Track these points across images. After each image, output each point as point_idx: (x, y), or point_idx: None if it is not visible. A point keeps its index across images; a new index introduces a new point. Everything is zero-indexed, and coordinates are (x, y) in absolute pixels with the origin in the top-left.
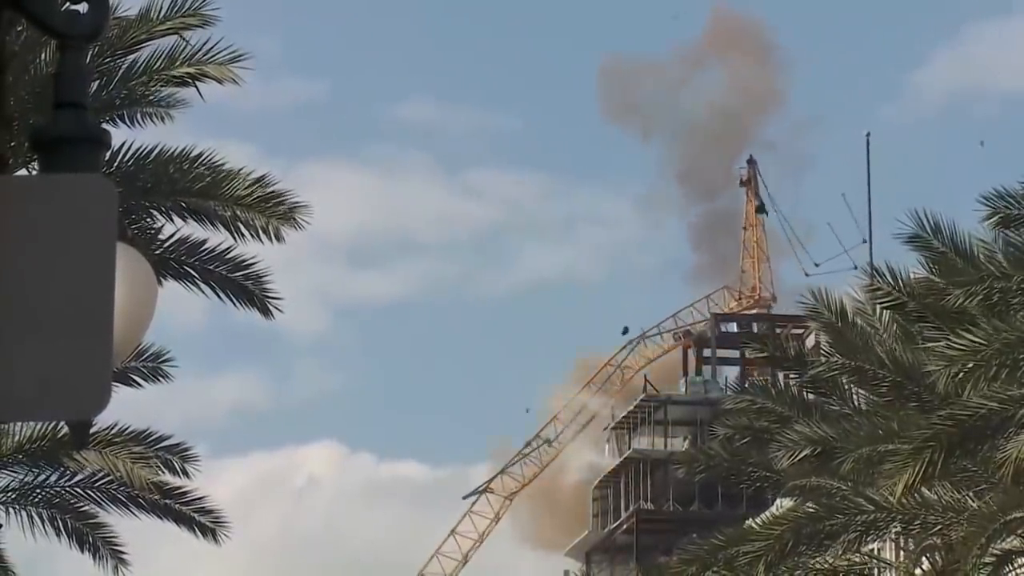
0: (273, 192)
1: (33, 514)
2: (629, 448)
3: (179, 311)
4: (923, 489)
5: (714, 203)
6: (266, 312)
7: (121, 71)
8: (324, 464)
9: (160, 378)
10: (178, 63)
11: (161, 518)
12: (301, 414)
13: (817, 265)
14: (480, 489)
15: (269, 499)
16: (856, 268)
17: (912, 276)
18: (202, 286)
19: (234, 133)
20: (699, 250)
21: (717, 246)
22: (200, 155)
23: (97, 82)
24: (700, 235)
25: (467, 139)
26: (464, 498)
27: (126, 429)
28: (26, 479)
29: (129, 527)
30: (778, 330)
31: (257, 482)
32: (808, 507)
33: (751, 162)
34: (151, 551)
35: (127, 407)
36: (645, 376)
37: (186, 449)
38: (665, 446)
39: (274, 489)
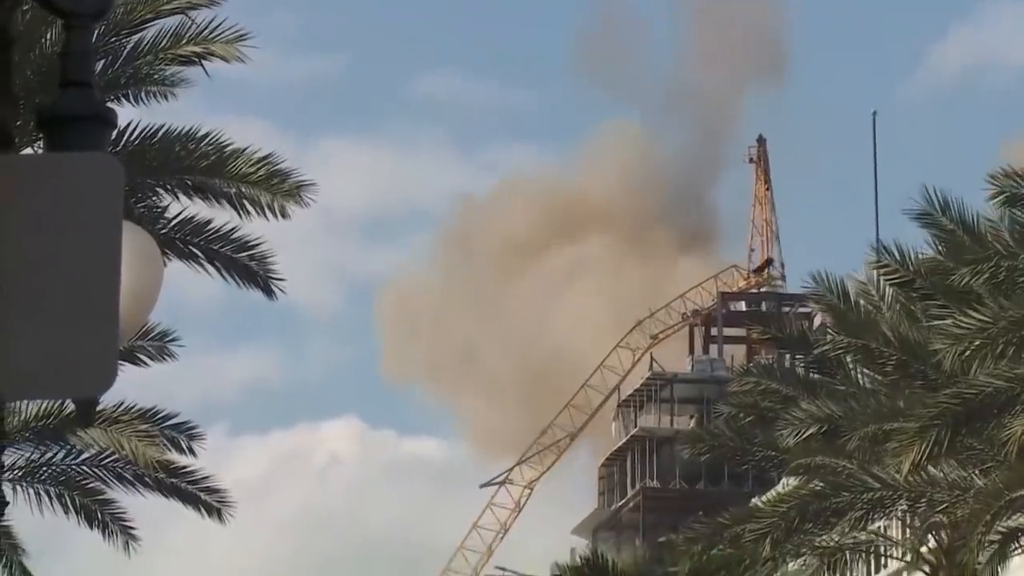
0: (279, 170)
1: (40, 491)
2: (635, 426)
3: (192, 287)
4: (929, 467)
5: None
6: (269, 293)
7: (127, 50)
8: (345, 441)
9: (166, 357)
10: (184, 42)
11: (167, 497)
12: (317, 391)
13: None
14: (499, 480)
15: (291, 478)
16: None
17: (919, 255)
18: (207, 266)
19: (250, 109)
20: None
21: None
22: (207, 134)
23: (103, 61)
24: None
25: (481, 115)
26: (482, 487)
27: (132, 407)
28: (32, 457)
29: (145, 504)
30: (786, 309)
31: (278, 461)
32: (814, 485)
33: (760, 141)
34: (168, 528)
35: (140, 385)
36: (651, 354)
37: (192, 427)
38: (671, 424)
39: (295, 468)
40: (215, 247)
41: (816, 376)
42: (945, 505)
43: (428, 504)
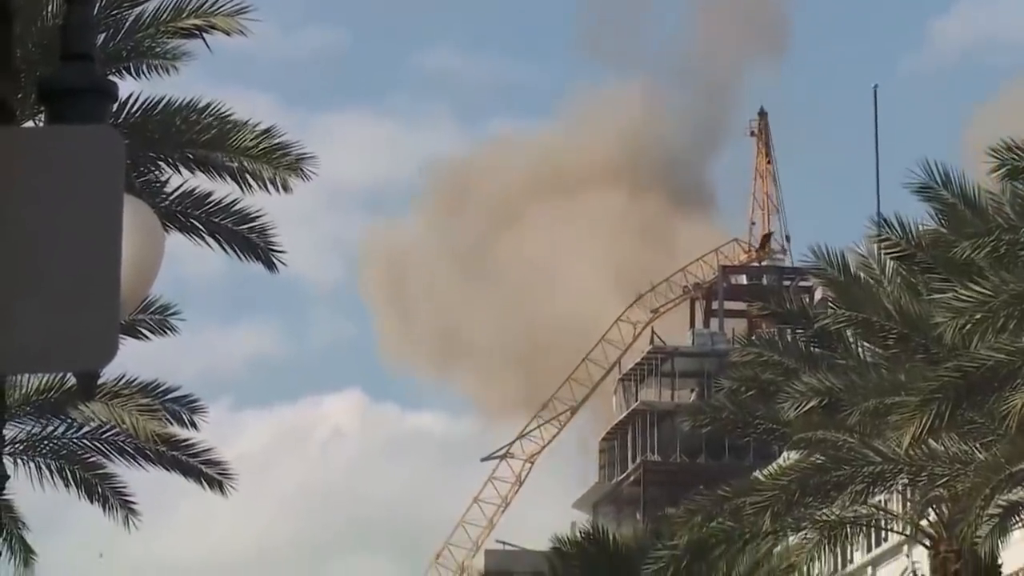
0: (280, 143)
1: (41, 465)
2: (636, 400)
3: (194, 261)
4: (930, 441)
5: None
6: (270, 266)
7: (128, 23)
8: (348, 416)
9: (167, 331)
10: (185, 15)
11: (168, 470)
12: (321, 365)
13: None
14: (500, 454)
15: (293, 452)
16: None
17: (920, 227)
18: (208, 239)
19: (254, 83)
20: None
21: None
22: (208, 106)
23: (104, 34)
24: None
25: (484, 89)
26: (483, 460)
27: (133, 380)
28: (33, 431)
29: (150, 480)
30: (787, 282)
31: (281, 435)
32: (815, 459)
33: (762, 114)
34: (172, 503)
35: (141, 360)
36: (652, 328)
37: (194, 401)
38: (672, 398)
39: (298, 442)
40: (216, 220)
41: (817, 350)
42: (946, 479)
43: (430, 478)
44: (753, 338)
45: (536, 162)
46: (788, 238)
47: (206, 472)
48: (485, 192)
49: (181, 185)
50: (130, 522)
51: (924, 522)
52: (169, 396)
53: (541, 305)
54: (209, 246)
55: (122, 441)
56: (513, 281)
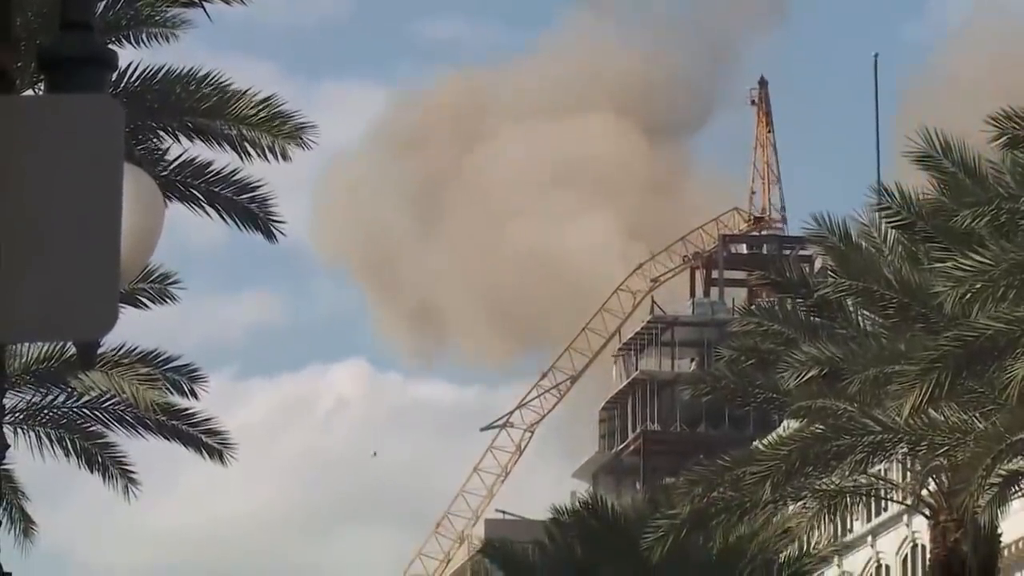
0: (280, 112)
1: (41, 434)
2: (636, 369)
3: (197, 229)
4: (930, 410)
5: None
6: (270, 236)
7: None
8: (352, 385)
9: (167, 299)
10: None
11: (168, 439)
12: (324, 333)
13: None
14: (499, 424)
15: (297, 422)
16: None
17: (921, 195)
18: (208, 209)
19: (255, 51)
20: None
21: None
22: (207, 75)
23: (104, 2)
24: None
25: (487, 57)
26: (483, 430)
27: (134, 350)
28: (33, 400)
29: (155, 450)
30: (787, 251)
31: (285, 404)
32: (815, 428)
33: (762, 83)
34: (174, 474)
35: (146, 329)
36: (652, 297)
37: (194, 370)
38: (672, 367)
39: (302, 412)
40: (216, 190)
41: (817, 319)
42: (946, 448)
43: (432, 448)
44: (753, 308)
45: (520, 94)
46: (783, 207)
47: (206, 442)
48: (461, 133)
49: (181, 154)
50: (130, 491)
51: (924, 491)
52: (169, 365)
53: (539, 268)
54: (209, 216)
55: (122, 410)
56: (491, 236)
